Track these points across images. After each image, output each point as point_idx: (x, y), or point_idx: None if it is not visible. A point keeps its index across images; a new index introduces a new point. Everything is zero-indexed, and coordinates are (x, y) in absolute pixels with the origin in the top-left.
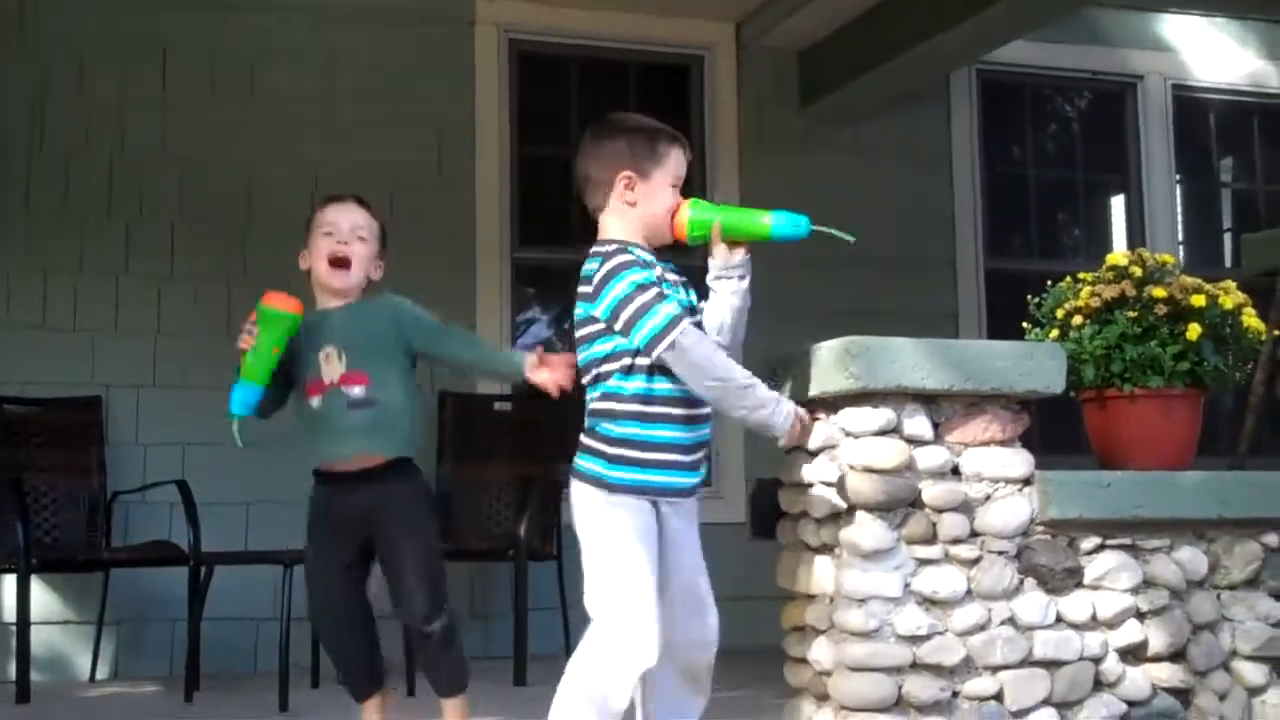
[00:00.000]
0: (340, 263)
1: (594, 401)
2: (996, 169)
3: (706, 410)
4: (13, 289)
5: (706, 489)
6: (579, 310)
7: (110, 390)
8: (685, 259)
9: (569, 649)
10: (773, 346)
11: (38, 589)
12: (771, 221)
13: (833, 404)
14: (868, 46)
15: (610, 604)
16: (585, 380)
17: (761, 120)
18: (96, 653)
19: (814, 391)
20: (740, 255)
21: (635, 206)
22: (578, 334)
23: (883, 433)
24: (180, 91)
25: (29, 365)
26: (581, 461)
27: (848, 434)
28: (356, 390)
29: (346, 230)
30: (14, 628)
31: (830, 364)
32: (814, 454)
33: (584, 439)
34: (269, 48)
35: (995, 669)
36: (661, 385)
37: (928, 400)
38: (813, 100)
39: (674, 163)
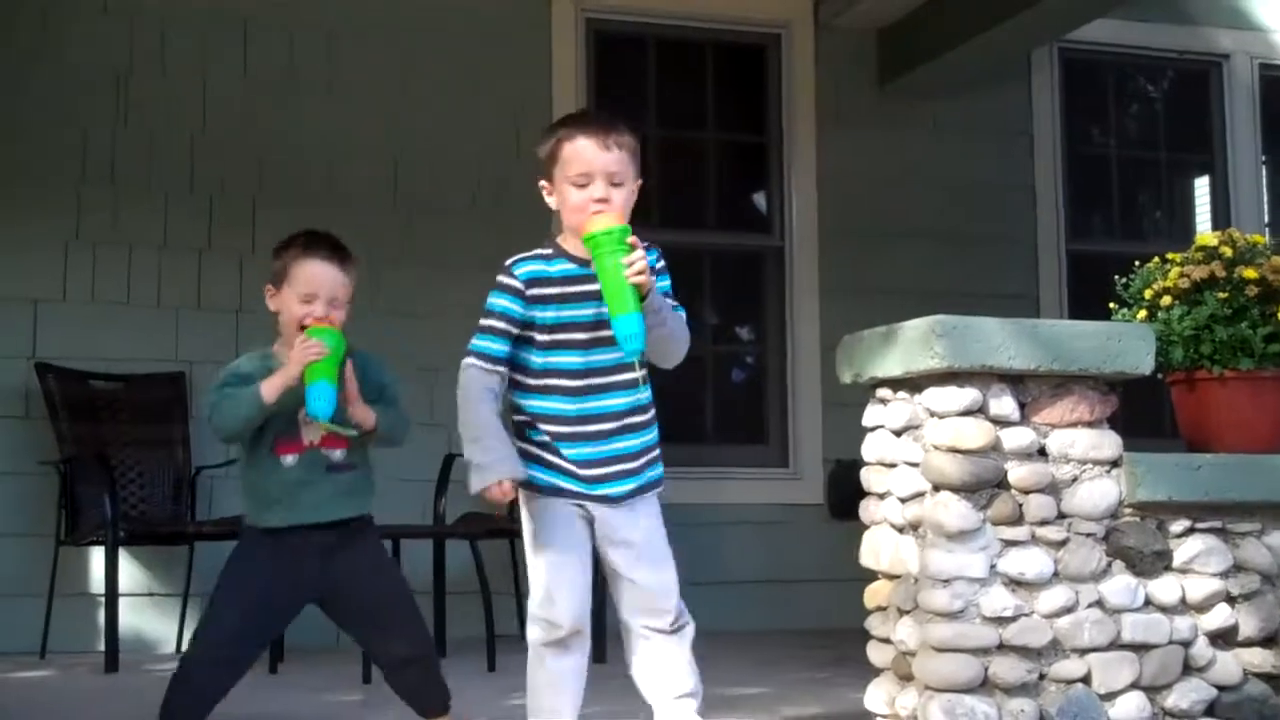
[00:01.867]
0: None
1: None
2: (1078, 149)
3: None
4: (98, 266)
5: (783, 470)
6: None
7: (193, 366)
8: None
9: (604, 628)
10: (851, 326)
11: (125, 562)
12: (623, 316)
13: (917, 383)
14: (949, 24)
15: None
16: None
17: (839, 99)
18: (182, 625)
19: (897, 370)
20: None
21: (558, 211)
22: None
23: (968, 413)
24: (260, 69)
25: (114, 342)
26: None
27: (932, 414)
28: (337, 454)
29: (324, 298)
30: (103, 599)
31: (915, 343)
32: (898, 433)
33: None
34: (347, 27)
35: (1083, 651)
36: (541, 403)
37: (1014, 380)
38: (891, 79)
39: (569, 160)
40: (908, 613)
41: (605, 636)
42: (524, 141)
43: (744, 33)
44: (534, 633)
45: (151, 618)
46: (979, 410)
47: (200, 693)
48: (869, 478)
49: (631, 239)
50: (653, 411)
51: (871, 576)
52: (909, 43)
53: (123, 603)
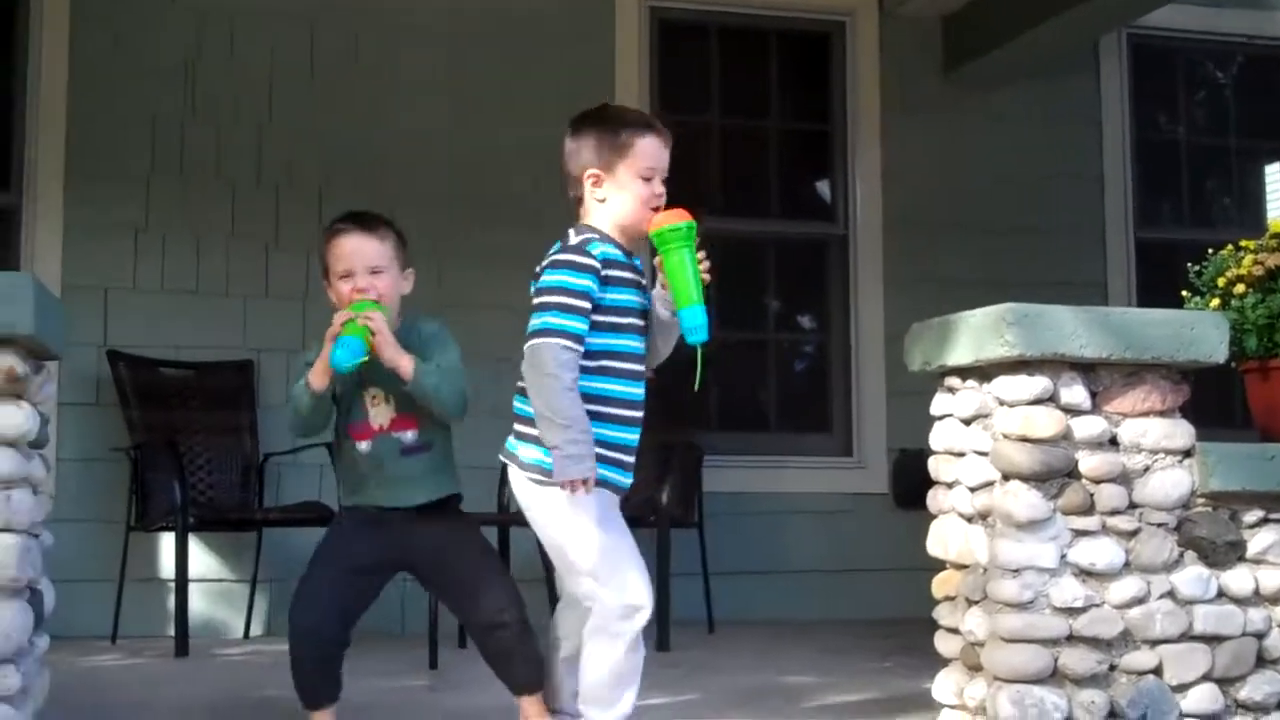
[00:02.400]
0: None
1: None
2: (1147, 135)
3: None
4: (168, 255)
5: (847, 459)
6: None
7: (261, 354)
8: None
9: (710, 615)
10: (915, 315)
11: (194, 547)
12: (691, 307)
13: (986, 372)
14: (1015, 11)
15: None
16: None
17: (903, 87)
18: (250, 610)
19: (967, 359)
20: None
21: (604, 203)
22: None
23: (1039, 401)
24: (326, 62)
25: (184, 330)
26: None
27: (1002, 402)
28: (409, 435)
29: (361, 270)
30: (172, 584)
31: (985, 331)
32: (967, 422)
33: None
34: (411, 19)
35: (1154, 643)
36: (600, 385)
37: (1085, 369)
38: (956, 66)
39: (641, 155)
40: (976, 603)
41: (669, 624)
42: None
43: (808, 20)
44: (624, 622)
45: (220, 603)
46: (1050, 399)
47: (313, 663)
48: (937, 466)
49: None
50: None
51: (938, 566)
52: (974, 30)
53: (192, 588)
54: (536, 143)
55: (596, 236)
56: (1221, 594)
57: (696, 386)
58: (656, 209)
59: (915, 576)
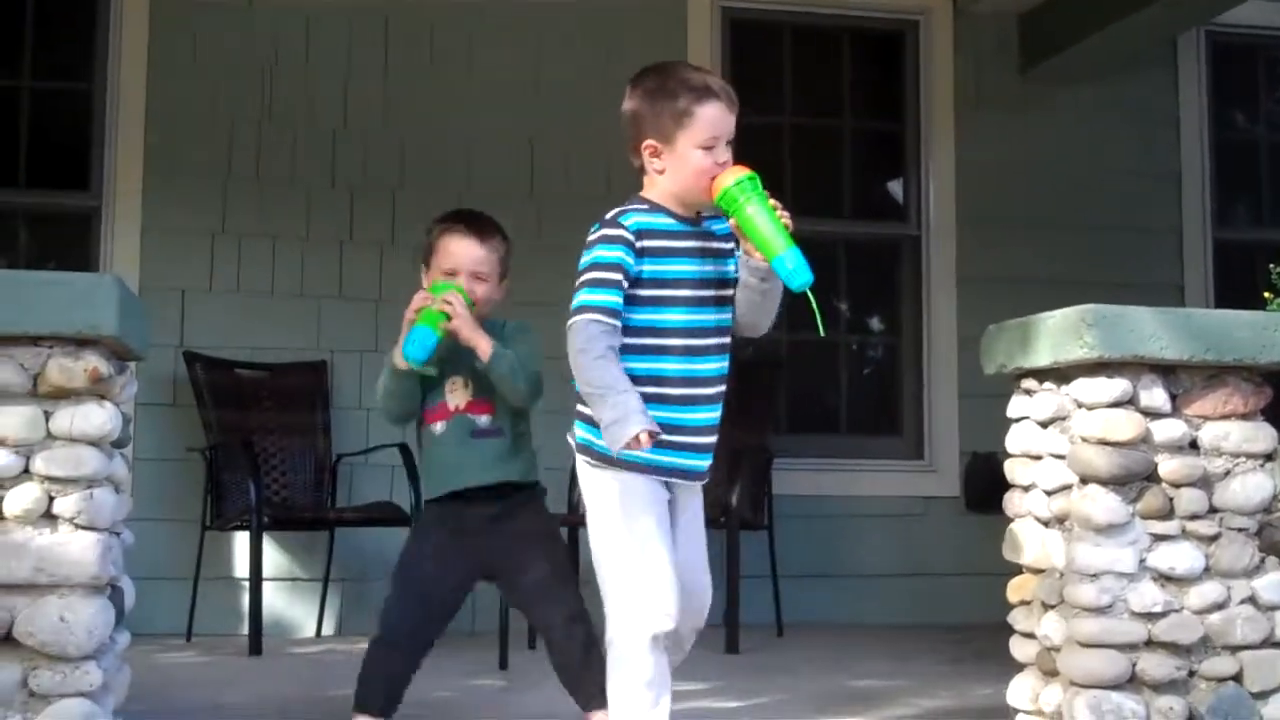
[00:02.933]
0: (455, 304)
1: None
2: (1226, 134)
3: (714, 390)
4: (243, 257)
5: (919, 462)
6: None
7: (335, 355)
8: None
9: (780, 618)
10: (989, 316)
11: (268, 547)
12: (783, 254)
13: (1064, 374)
14: (1093, 8)
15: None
16: None
17: (978, 86)
18: (322, 609)
19: (1045, 361)
20: (759, 262)
21: (664, 174)
22: None
23: (1118, 404)
24: (401, 63)
25: (259, 331)
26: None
27: (1080, 405)
28: (483, 419)
29: (466, 272)
30: (246, 583)
31: (1064, 332)
32: (1044, 424)
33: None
34: (485, 19)
35: (1235, 649)
36: (642, 364)
37: (1165, 371)
38: (1033, 64)
39: (702, 124)
40: (1053, 607)
41: (738, 627)
42: None
43: (881, 19)
44: (635, 626)
45: (293, 602)
46: (1129, 401)
47: (381, 673)
48: (1013, 470)
49: None
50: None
51: (1012, 570)
52: (1051, 27)
53: (265, 587)
54: (611, 143)
55: (637, 207)
56: None
57: (822, 331)
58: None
59: (987, 581)
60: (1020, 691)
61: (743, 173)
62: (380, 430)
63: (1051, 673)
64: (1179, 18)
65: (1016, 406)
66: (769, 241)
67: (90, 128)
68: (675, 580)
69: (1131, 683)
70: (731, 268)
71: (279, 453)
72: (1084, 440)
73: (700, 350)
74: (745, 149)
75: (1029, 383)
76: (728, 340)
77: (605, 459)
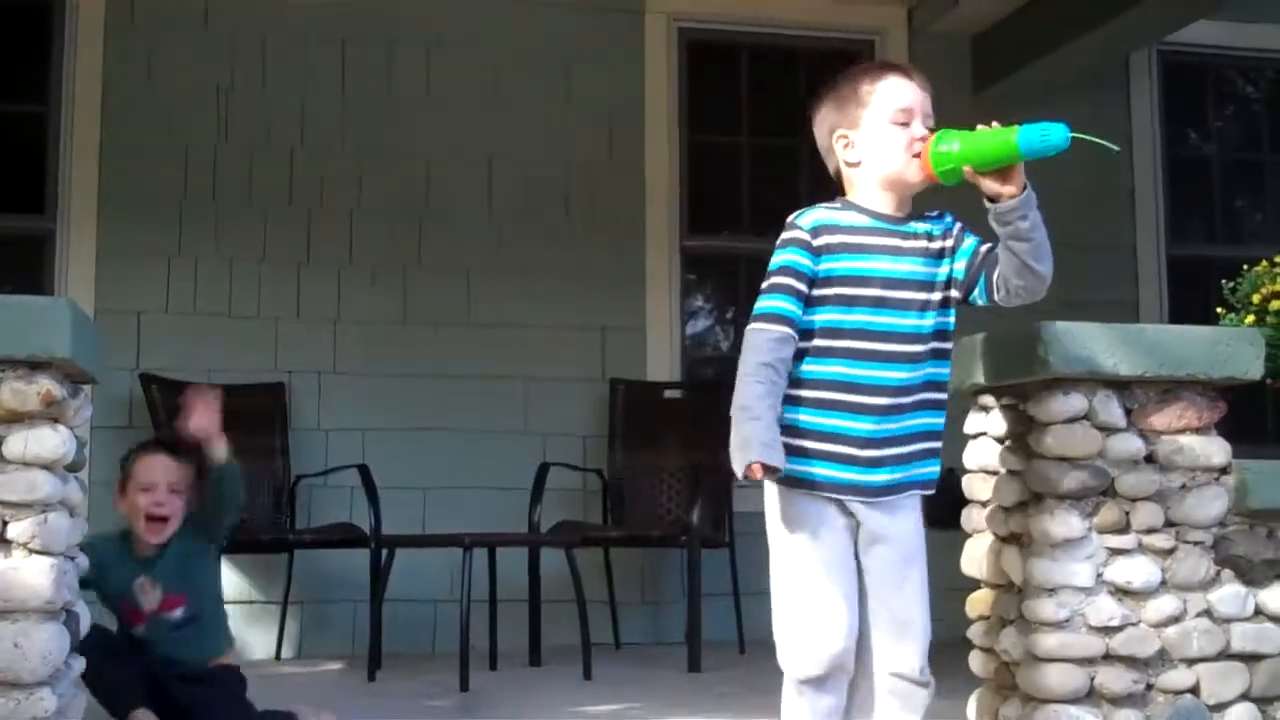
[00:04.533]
0: (158, 520)
1: None
2: (1178, 152)
3: (899, 401)
4: (200, 278)
5: None
6: None
7: (293, 376)
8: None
9: (741, 636)
10: None
11: (226, 569)
12: (1018, 138)
13: (1021, 390)
14: (1044, 30)
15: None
16: None
17: (934, 106)
18: (282, 632)
19: (1001, 378)
20: (1007, 200)
21: (860, 164)
22: None
23: (1073, 419)
24: (358, 82)
25: (216, 352)
26: None
27: (1036, 421)
28: (178, 613)
29: (163, 487)
30: None
31: (1019, 349)
32: (1001, 440)
33: None
34: (443, 37)
35: (1191, 661)
36: (813, 367)
37: (1121, 387)
38: (987, 85)
39: (887, 97)
40: (1011, 622)
41: (700, 645)
42: (617, 151)
43: (838, 39)
44: (790, 665)
45: (252, 624)
46: (1085, 417)
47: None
48: (971, 486)
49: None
50: (942, 395)
51: (970, 586)
52: (1004, 49)
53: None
54: (568, 163)
55: (823, 205)
56: (1259, 612)
57: (1115, 148)
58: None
59: (947, 596)
60: (980, 706)
61: (934, 135)
62: (339, 451)
63: (1010, 687)
64: (1130, 38)
65: (974, 423)
66: (1001, 148)
67: (45, 150)
68: (842, 615)
69: (1090, 696)
70: (944, 269)
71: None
72: (1041, 456)
73: (886, 356)
74: (704, 169)
75: (986, 399)
76: (929, 347)
77: (786, 482)
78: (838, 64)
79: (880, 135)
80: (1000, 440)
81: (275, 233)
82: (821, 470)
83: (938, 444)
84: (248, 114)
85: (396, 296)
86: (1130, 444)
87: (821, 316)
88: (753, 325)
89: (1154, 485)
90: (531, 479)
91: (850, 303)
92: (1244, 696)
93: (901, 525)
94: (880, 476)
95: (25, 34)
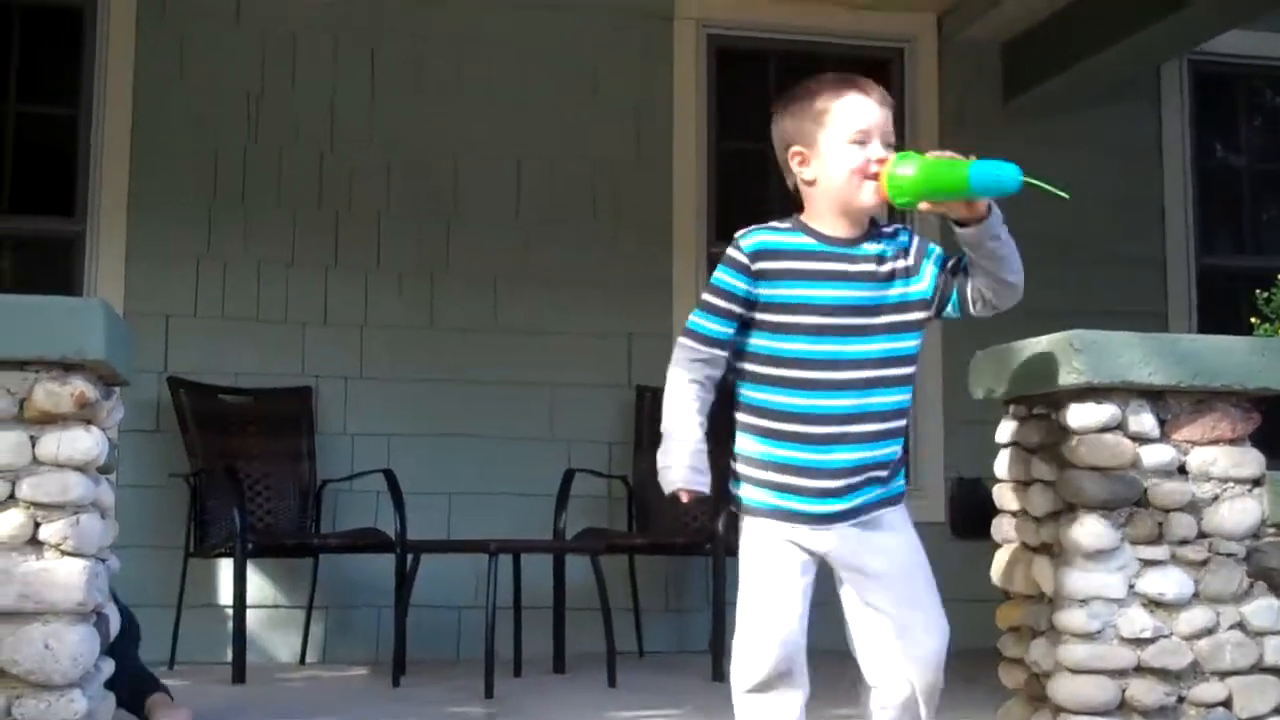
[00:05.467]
0: None
1: None
2: (1208, 163)
3: (845, 430)
4: (228, 282)
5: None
6: None
7: (320, 381)
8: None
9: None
10: (972, 343)
11: (252, 573)
12: (970, 175)
13: (1053, 399)
14: (1076, 37)
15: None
16: None
17: (964, 114)
18: (306, 636)
19: (1033, 387)
20: (974, 227)
21: (815, 184)
22: None
23: (1106, 429)
24: (388, 83)
25: (243, 356)
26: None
27: (1069, 430)
28: None
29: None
30: (230, 610)
31: (1052, 358)
32: (1032, 450)
33: None
34: (474, 39)
35: (1224, 674)
36: (755, 394)
37: (1154, 396)
38: (1017, 93)
39: (843, 117)
40: (1042, 633)
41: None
42: (644, 157)
43: (867, 47)
44: (733, 677)
45: (277, 629)
46: (1117, 427)
47: None
48: (1001, 495)
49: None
50: (898, 423)
51: (998, 597)
52: (1034, 57)
53: (249, 614)
54: (595, 167)
55: (770, 225)
56: None
57: (1064, 194)
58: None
59: (974, 608)
60: (1008, 717)
61: (891, 157)
62: (365, 456)
63: (1040, 699)
64: (1161, 48)
65: (1005, 432)
66: (951, 179)
67: (75, 152)
68: (777, 628)
69: (1121, 709)
70: (895, 291)
71: (263, 479)
72: (1073, 466)
73: (827, 385)
74: (733, 175)
75: (1017, 408)
76: (884, 374)
77: (745, 507)
78: (868, 72)
79: (835, 156)
80: (1032, 450)
81: (304, 235)
82: (769, 498)
83: (884, 472)
84: (277, 115)
85: (424, 301)
86: (1163, 454)
87: (762, 342)
88: (681, 339)
89: (1187, 496)
90: (557, 485)
91: (789, 330)
92: (1276, 711)
93: (884, 541)
94: (828, 507)
95: (56, 36)
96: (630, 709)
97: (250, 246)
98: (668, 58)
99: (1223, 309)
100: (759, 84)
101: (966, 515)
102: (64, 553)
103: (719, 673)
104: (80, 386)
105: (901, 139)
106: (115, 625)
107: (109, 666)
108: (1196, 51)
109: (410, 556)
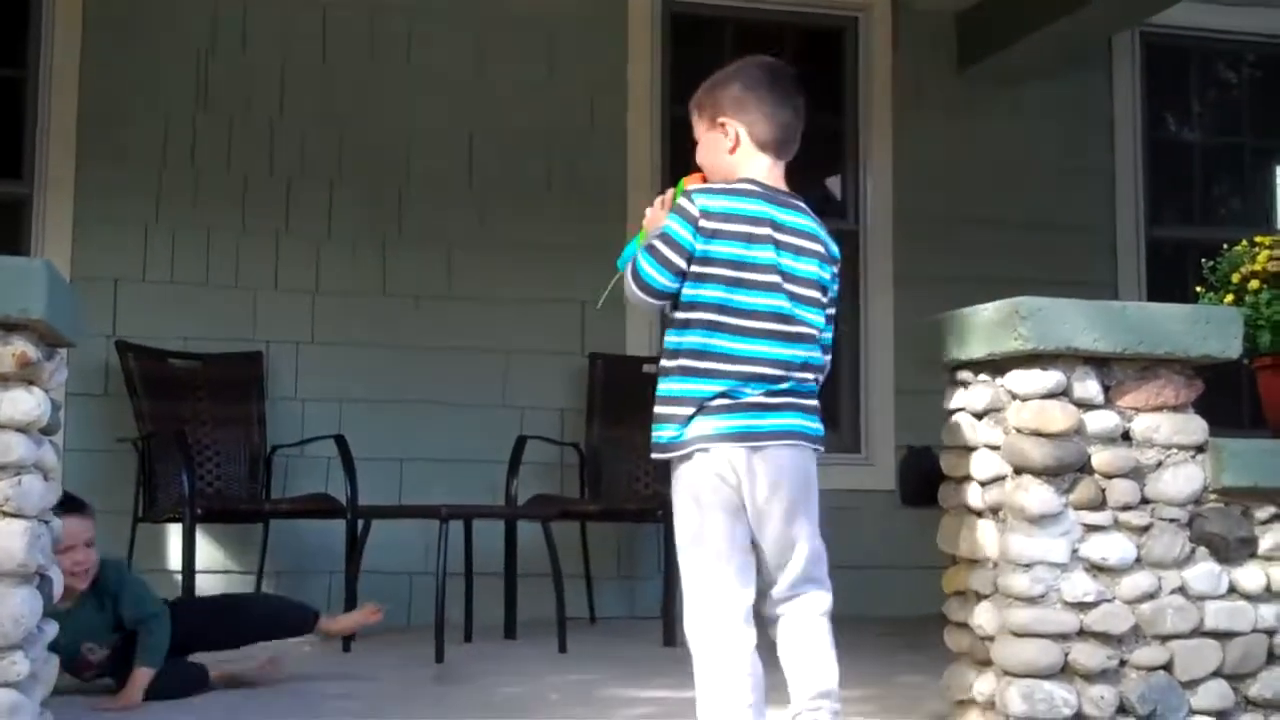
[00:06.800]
0: (82, 574)
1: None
2: (1159, 134)
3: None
4: (178, 246)
5: (855, 456)
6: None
7: (270, 346)
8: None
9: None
10: (925, 312)
11: (201, 539)
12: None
13: (999, 365)
14: (1029, 8)
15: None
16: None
17: (918, 83)
18: None
19: (979, 353)
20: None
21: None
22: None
23: (1051, 395)
24: (339, 52)
25: (193, 321)
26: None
27: (1014, 396)
28: (108, 652)
29: (80, 543)
30: (179, 576)
31: (998, 325)
32: (979, 416)
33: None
34: (425, 9)
35: (1165, 638)
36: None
37: (1099, 363)
38: (970, 63)
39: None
40: (986, 597)
41: (675, 619)
42: (599, 124)
43: (822, 15)
44: (690, 633)
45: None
46: (1062, 393)
47: None
48: (948, 461)
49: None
50: (663, 361)
51: (946, 563)
52: (988, 26)
53: (199, 579)
54: (550, 135)
55: None
56: (1233, 590)
57: (598, 304)
58: None
59: (922, 575)
60: (954, 681)
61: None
62: (315, 422)
63: (985, 662)
64: (1113, 19)
65: (952, 398)
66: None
67: (23, 114)
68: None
69: (1064, 672)
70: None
71: (213, 444)
72: (1018, 431)
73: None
74: (686, 144)
75: (964, 374)
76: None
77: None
78: (822, 40)
79: None
80: (978, 415)
81: (254, 202)
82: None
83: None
84: (228, 82)
85: (376, 268)
86: (1107, 420)
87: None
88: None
89: (1130, 462)
90: (509, 452)
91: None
92: (1216, 674)
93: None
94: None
95: None
96: (581, 673)
97: (200, 212)
98: (622, 26)
99: (1172, 280)
100: (714, 53)
101: (916, 484)
102: (5, 514)
103: (670, 638)
104: (22, 347)
105: (855, 109)
106: (59, 588)
107: (51, 629)
108: (1148, 23)
109: (361, 522)
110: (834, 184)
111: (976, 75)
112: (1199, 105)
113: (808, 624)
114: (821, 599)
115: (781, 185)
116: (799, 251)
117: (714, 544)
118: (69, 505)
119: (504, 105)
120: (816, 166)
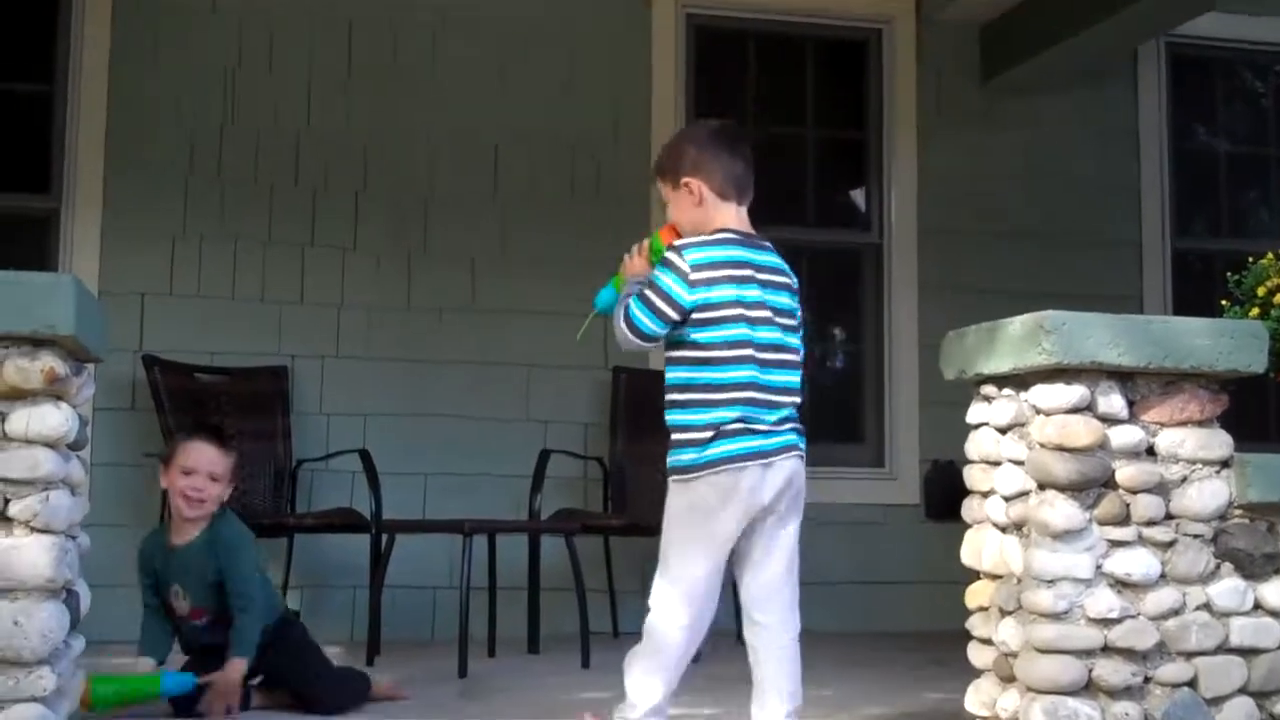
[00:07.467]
0: (195, 502)
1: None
2: (1184, 145)
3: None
4: (204, 260)
5: (879, 470)
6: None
7: (295, 360)
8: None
9: (739, 624)
10: (949, 325)
11: None
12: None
13: (1023, 380)
14: (1053, 19)
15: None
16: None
17: (941, 95)
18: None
19: (1004, 367)
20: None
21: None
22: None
23: (1075, 410)
24: (364, 65)
25: (219, 335)
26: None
27: (1038, 411)
28: (202, 621)
29: (204, 472)
30: None
31: (1023, 339)
32: (1003, 431)
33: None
34: (449, 21)
35: (1189, 655)
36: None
37: (1123, 378)
38: (994, 75)
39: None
40: (1010, 613)
41: None
42: (623, 138)
43: (845, 28)
44: (650, 623)
45: None
46: (1087, 408)
47: None
48: (972, 476)
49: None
50: (674, 395)
51: (971, 577)
52: (1012, 38)
53: None
54: (574, 147)
55: None
56: (1258, 606)
57: (579, 338)
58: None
59: (946, 589)
60: (978, 697)
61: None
62: (340, 436)
63: (1009, 678)
64: (1138, 30)
65: (976, 412)
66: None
67: (51, 129)
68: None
69: (1088, 689)
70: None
71: (238, 458)
72: (1042, 446)
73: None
74: None
75: (988, 389)
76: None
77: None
78: (846, 52)
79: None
80: (1002, 430)
81: (280, 215)
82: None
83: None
84: (254, 95)
85: (400, 281)
86: (1132, 435)
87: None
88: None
89: (1155, 477)
90: (532, 466)
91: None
92: (1241, 691)
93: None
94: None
95: (32, 13)
96: (604, 689)
97: (227, 225)
98: (646, 38)
99: (1198, 292)
100: (737, 65)
101: (940, 498)
102: (33, 529)
103: (695, 654)
104: (50, 362)
105: (879, 121)
106: (86, 603)
107: (79, 644)
108: (1174, 34)
109: (385, 536)
110: (858, 196)
111: (1000, 87)
112: (1225, 116)
113: (784, 637)
114: (795, 618)
115: (749, 229)
116: (777, 287)
117: (708, 547)
118: (209, 431)
119: (528, 119)
120: (840, 179)
